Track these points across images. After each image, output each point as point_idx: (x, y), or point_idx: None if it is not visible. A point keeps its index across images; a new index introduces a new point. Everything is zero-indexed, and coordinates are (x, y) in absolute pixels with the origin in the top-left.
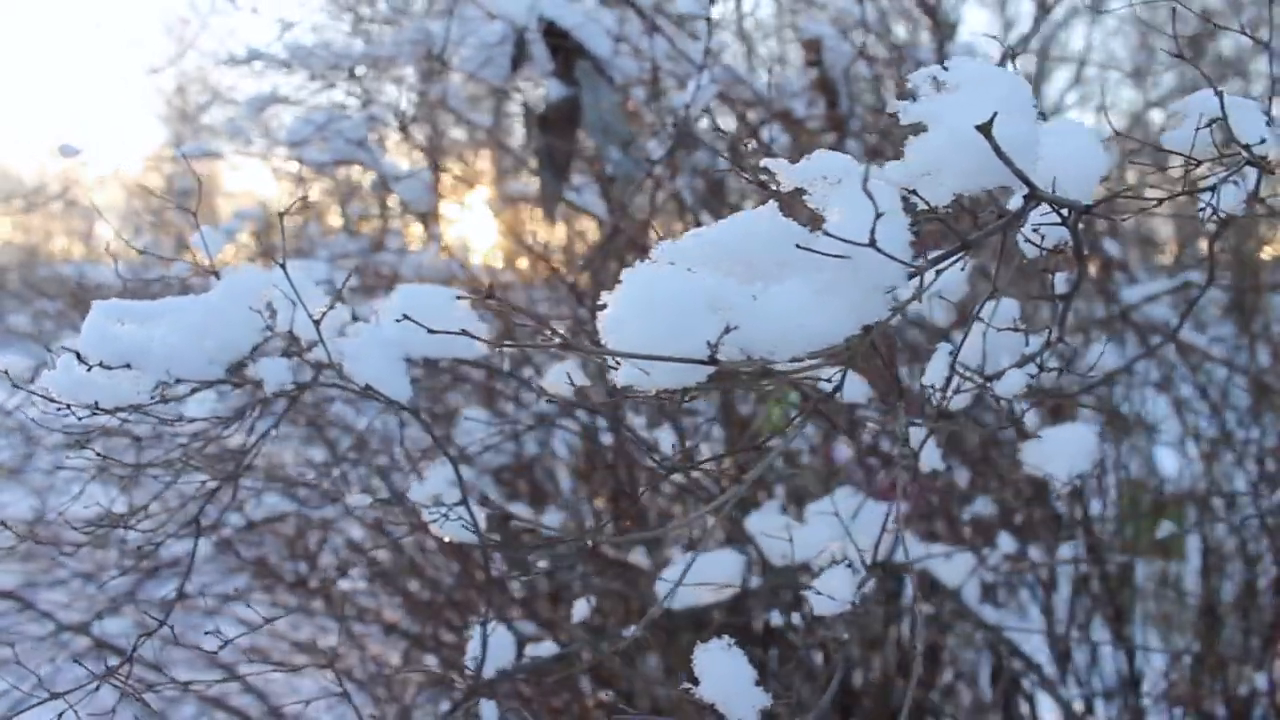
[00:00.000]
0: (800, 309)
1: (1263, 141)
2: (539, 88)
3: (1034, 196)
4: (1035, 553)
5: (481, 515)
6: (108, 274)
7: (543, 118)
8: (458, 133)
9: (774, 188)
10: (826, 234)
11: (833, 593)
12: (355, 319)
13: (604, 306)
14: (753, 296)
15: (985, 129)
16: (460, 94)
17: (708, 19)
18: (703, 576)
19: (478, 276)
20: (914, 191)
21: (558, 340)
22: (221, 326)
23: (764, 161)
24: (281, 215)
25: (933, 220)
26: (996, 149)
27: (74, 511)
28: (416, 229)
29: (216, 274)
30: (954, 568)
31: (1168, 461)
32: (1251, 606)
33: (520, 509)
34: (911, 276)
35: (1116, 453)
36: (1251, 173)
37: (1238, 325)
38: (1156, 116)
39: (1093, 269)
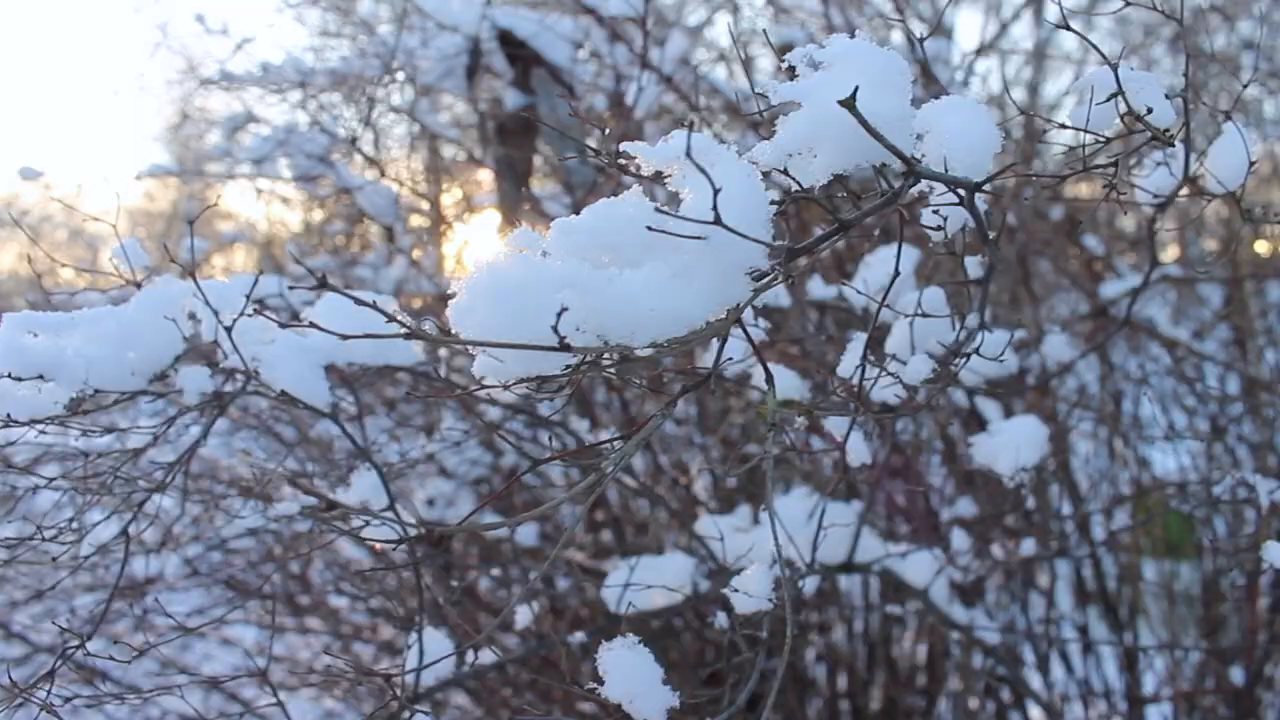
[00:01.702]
0: (657, 292)
1: (1150, 112)
2: (496, 97)
3: (911, 173)
4: (999, 550)
5: (412, 519)
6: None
7: (501, 126)
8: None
9: (634, 171)
10: (678, 216)
11: (752, 592)
12: (284, 325)
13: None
14: (608, 281)
15: (849, 104)
16: (427, 104)
17: (643, 20)
18: (652, 580)
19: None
20: (785, 171)
21: (404, 330)
22: (143, 337)
23: (622, 145)
24: (190, 223)
25: (805, 200)
26: (864, 123)
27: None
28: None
29: (139, 286)
30: (919, 567)
31: (1167, 461)
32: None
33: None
34: (776, 257)
35: (1109, 450)
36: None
37: (1231, 322)
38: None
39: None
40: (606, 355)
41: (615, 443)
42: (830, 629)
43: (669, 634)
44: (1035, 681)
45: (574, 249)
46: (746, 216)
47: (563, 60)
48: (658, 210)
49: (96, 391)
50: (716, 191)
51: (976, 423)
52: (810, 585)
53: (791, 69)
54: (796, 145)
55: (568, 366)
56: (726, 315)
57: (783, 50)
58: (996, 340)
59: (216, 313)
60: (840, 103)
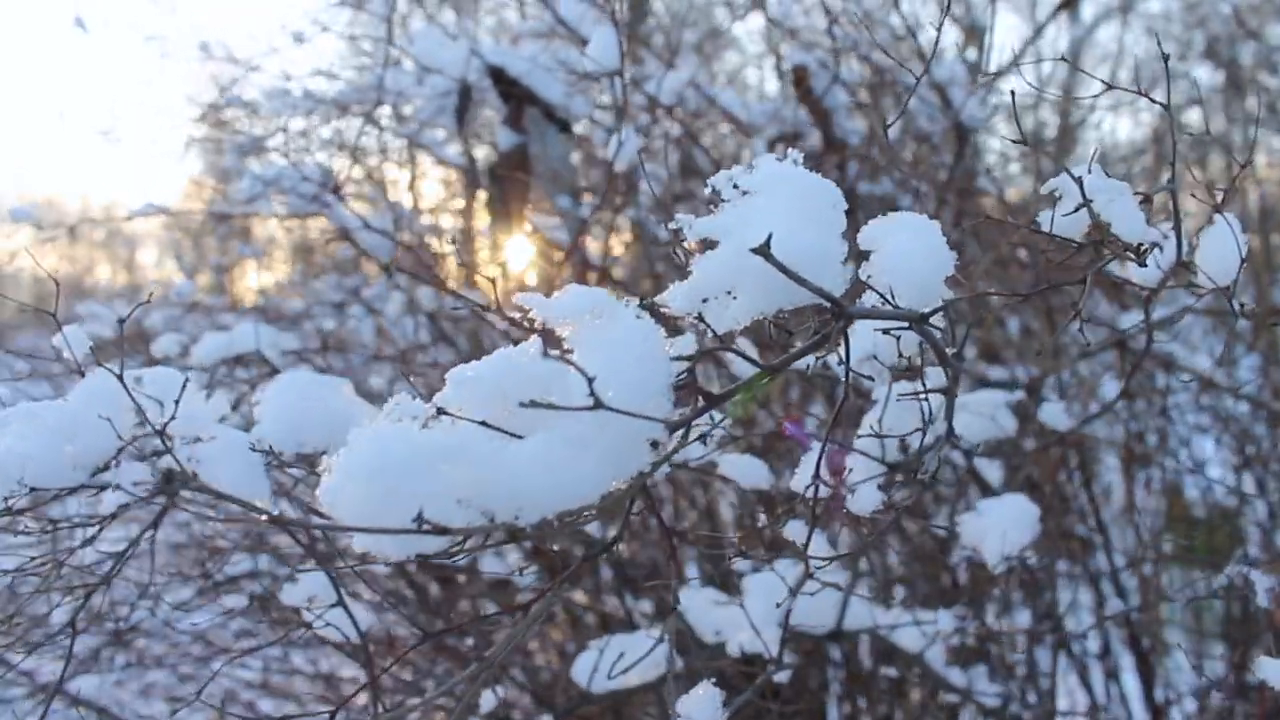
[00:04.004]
0: (548, 464)
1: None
2: (488, 137)
3: (842, 315)
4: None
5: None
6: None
7: (494, 166)
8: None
9: (529, 325)
10: (558, 407)
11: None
12: (224, 417)
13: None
14: (495, 451)
15: (763, 250)
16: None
17: (619, 74)
18: (626, 659)
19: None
20: (700, 318)
21: (265, 516)
22: (84, 429)
23: (517, 297)
24: (121, 322)
25: (722, 350)
26: (783, 269)
27: None
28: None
29: (82, 373)
30: (911, 632)
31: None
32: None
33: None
34: (674, 428)
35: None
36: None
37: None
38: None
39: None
40: (490, 536)
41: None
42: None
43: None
44: None
45: (469, 403)
46: (643, 384)
47: (556, 99)
48: (547, 357)
49: (33, 490)
50: (591, 380)
51: (975, 482)
52: (783, 675)
53: (716, 192)
54: (713, 289)
55: (452, 545)
56: (625, 488)
57: (792, 73)
58: (989, 399)
59: (161, 404)
60: (754, 250)
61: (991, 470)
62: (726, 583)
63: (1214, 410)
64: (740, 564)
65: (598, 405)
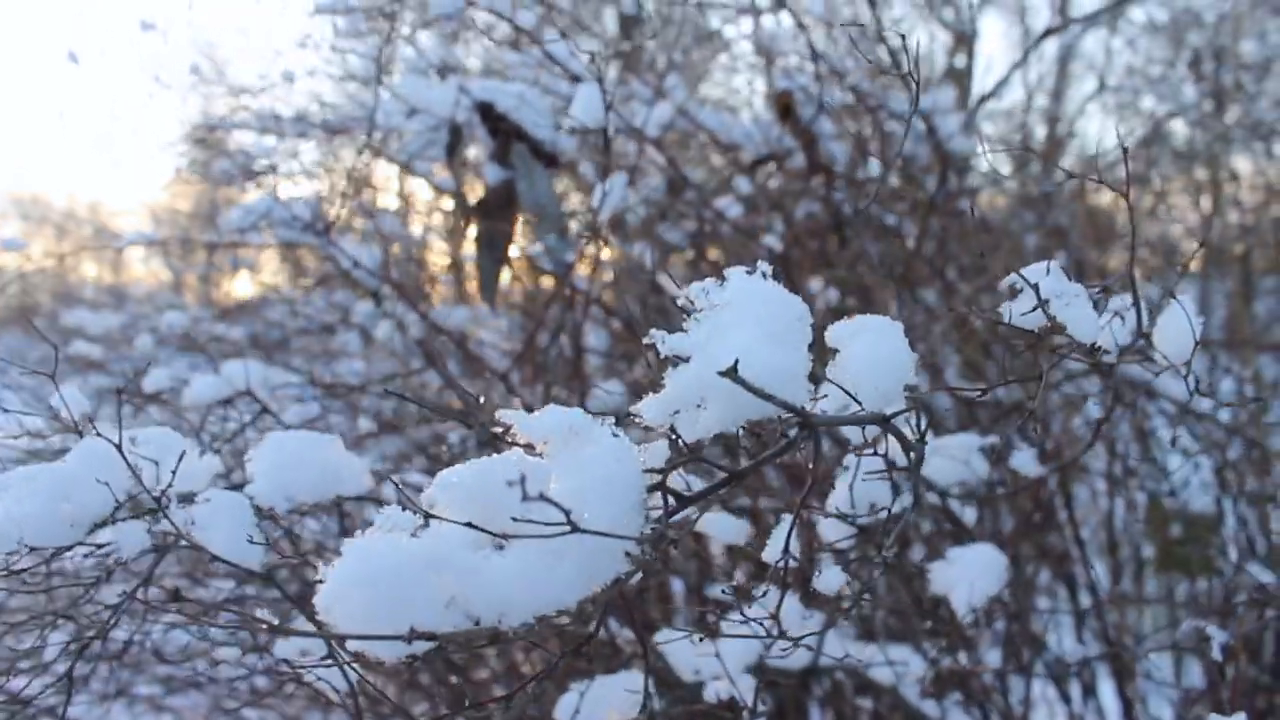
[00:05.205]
0: (527, 574)
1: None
2: (477, 172)
3: (808, 425)
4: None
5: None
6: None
7: (481, 202)
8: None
9: (511, 441)
10: (532, 524)
11: None
12: (219, 474)
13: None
14: (480, 561)
15: (731, 374)
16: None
17: (604, 130)
18: (605, 701)
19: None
20: (671, 430)
21: (265, 626)
22: (80, 488)
23: (499, 413)
24: (119, 392)
25: (692, 460)
26: (750, 388)
27: None
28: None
29: (80, 433)
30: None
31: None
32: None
33: None
34: (644, 542)
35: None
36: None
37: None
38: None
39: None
40: (476, 640)
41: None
42: None
43: None
44: None
45: (453, 505)
46: (617, 499)
47: (544, 136)
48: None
49: (32, 549)
50: (568, 514)
51: (949, 521)
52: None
53: (689, 302)
54: (684, 402)
55: (438, 645)
56: (600, 593)
57: (776, 97)
58: (963, 443)
59: (156, 464)
60: (722, 373)
61: (967, 511)
62: (705, 623)
63: (1193, 433)
64: (720, 601)
65: (573, 529)
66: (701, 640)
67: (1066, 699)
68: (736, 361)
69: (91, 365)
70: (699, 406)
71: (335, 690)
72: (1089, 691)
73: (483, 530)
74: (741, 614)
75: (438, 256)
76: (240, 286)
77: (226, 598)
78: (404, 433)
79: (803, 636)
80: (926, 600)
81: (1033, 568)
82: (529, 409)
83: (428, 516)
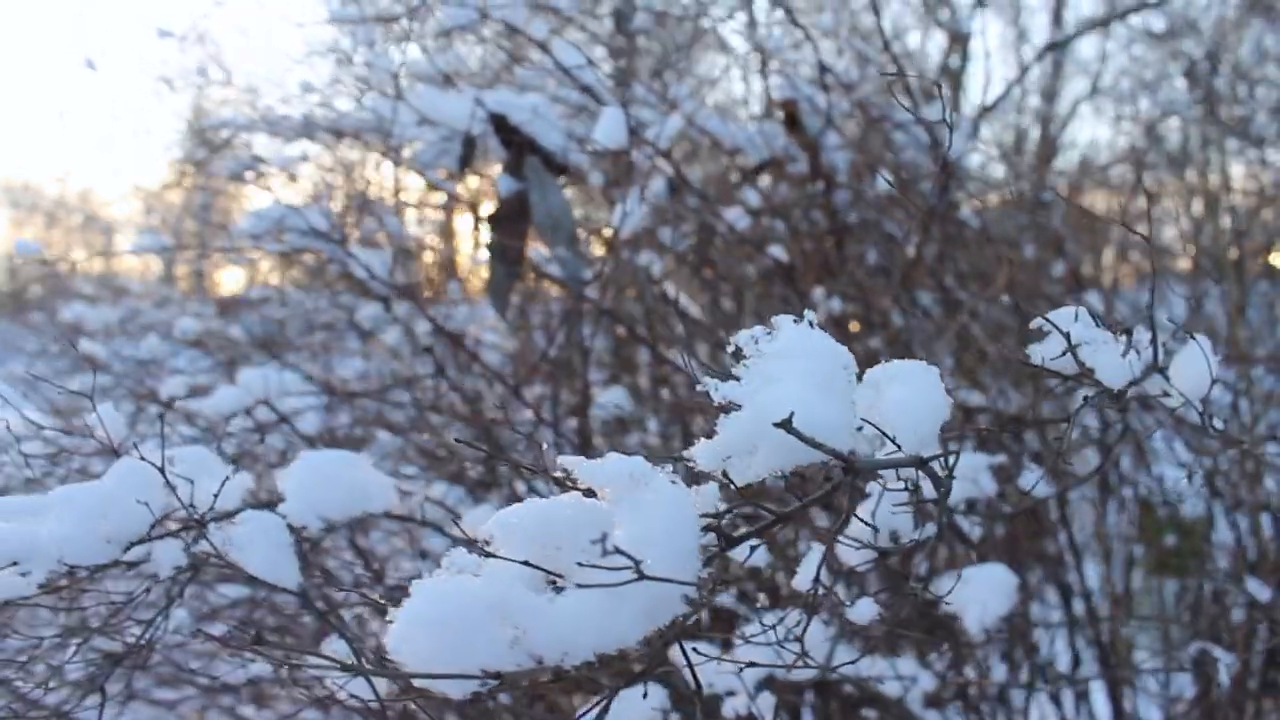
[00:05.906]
0: (589, 616)
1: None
2: (490, 183)
3: (852, 470)
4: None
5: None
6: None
7: (494, 214)
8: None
9: (571, 484)
10: (595, 567)
11: None
12: (251, 492)
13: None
14: (543, 604)
15: (786, 424)
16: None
17: (626, 153)
18: (623, 715)
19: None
20: (724, 475)
21: (338, 665)
22: (118, 507)
23: (558, 459)
24: (161, 415)
25: (745, 502)
26: (801, 438)
27: None
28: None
29: (118, 452)
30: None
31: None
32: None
33: None
34: (704, 587)
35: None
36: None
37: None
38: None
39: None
40: (539, 677)
41: None
42: None
43: None
44: None
45: (512, 545)
46: (676, 544)
47: (557, 148)
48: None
49: (71, 570)
50: (637, 563)
51: (956, 536)
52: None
53: (739, 350)
54: (736, 448)
55: (501, 683)
56: (660, 635)
57: (783, 105)
58: (971, 462)
59: (191, 481)
60: (776, 425)
61: (973, 526)
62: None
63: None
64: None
65: (641, 577)
66: (720, 660)
67: (1057, 701)
68: (791, 414)
69: (96, 365)
70: (750, 453)
71: (362, 703)
72: (1081, 698)
73: (547, 571)
74: (768, 630)
75: (445, 262)
76: (232, 279)
77: (234, 601)
78: (406, 436)
79: (834, 665)
80: (936, 618)
81: (1031, 576)
82: (539, 418)
83: (489, 555)
